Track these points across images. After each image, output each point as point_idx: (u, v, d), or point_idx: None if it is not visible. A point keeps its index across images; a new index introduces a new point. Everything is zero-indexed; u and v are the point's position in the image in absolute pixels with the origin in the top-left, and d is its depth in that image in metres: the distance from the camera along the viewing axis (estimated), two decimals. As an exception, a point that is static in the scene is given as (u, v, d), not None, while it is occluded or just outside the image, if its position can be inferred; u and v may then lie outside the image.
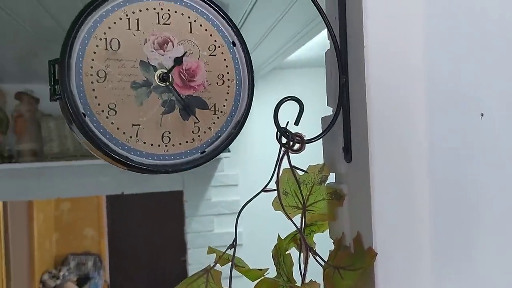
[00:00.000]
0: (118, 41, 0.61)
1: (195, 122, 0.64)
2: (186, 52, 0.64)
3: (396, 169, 0.65)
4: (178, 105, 0.64)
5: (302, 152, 0.69)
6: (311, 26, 1.74)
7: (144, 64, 0.62)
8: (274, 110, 0.68)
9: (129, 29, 0.62)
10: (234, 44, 0.67)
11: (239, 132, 0.66)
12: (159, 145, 0.62)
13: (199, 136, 0.64)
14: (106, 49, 0.60)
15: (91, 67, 0.59)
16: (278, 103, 0.68)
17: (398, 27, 0.65)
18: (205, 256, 3.17)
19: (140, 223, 5.17)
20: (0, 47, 1.95)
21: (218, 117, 0.65)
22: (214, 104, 0.65)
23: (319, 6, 0.69)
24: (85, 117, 0.59)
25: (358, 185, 0.68)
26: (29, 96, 2.49)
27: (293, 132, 0.69)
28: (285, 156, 0.70)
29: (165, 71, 0.63)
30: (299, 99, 0.68)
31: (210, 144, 0.65)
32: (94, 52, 0.60)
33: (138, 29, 0.62)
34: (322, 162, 0.73)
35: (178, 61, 0.63)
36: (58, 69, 0.58)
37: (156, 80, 0.63)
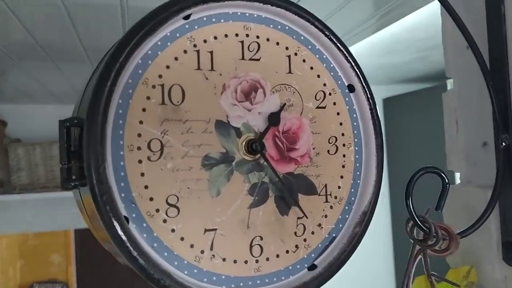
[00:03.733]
0: (182, 89, 0.36)
1: (298, 218, 0.40)
2: (285, 104, 0.40)
3: None
4: (273, 190, 0.39)
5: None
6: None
7: (222, 127, 0.37)
8: (407, 188, 0.44)
9: (199, 68, 0.37)
10: (352, 89, 0.43)
11: (366, 231, 0.41)
12: (246, 261, 0.37)
13: (305, 240, 0.40)
14: (163, 103, 0.35)
15: (139, 135, 0.34)
16: (413, 177, 0.44)
17: None
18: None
19: (114, 250, 4.81)
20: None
21: (331, 207, 0.41)
22: (325, 186, 0.41)
23: (467, 31, 0.46)
24: (128, 222, 0.33)
25: (532, 302, 0.45)
26: (-6, 119, 2.17)
27: (435, 222, 0.45)
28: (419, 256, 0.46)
29: (254, 136, 0.38)
30: (443, 172, 0.45)
31: (322, 252, 0.40)
32: (144, 109, 0.34)
33: (212, 69, 0.37)
34: (469, 264, 0.50)
35: (274, 119, 0.39)
36: (83, 140, 0.33)
37: (242, 152, 0.38)
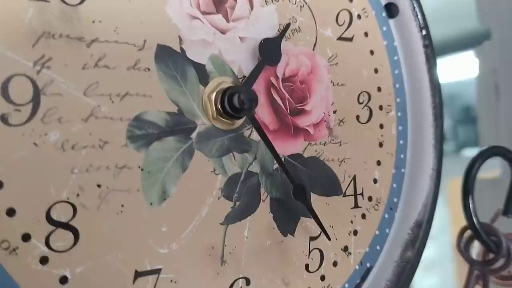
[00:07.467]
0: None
1: (311, 238, 0.22)
2: (289, 25, 0.21)
3: None
4: (268, 188, 0.20)
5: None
6: None
7: (170, 60, 0.18)
8: (465, 180, 0.28)
9: None
10: (393, 11, 0.25)
11: (421, 254, 0.24)
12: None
13: (322, 278, 0.22)
14: (39, -5, 0.16)
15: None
16: (473, 162, 0.28)
17: None
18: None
19: None
20: None
21: (363, 215, 0.23)
22: (354, 179, 0.23)
23: None
24: None
25: None
26: None
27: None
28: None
29: (233, 82, 0.20)
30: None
31: (351, 297, 0.22)
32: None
33: None
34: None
35: (270, 52, 0.20)
36: None
37: (210, 112, 0.19)
